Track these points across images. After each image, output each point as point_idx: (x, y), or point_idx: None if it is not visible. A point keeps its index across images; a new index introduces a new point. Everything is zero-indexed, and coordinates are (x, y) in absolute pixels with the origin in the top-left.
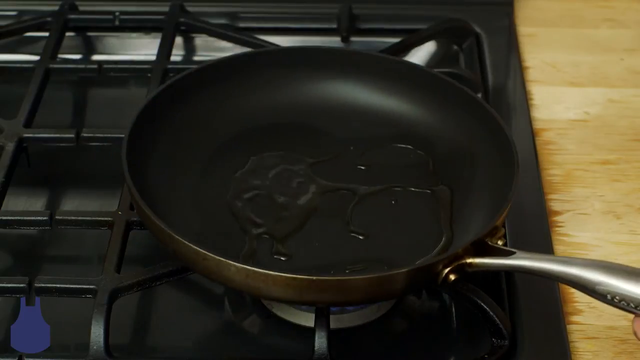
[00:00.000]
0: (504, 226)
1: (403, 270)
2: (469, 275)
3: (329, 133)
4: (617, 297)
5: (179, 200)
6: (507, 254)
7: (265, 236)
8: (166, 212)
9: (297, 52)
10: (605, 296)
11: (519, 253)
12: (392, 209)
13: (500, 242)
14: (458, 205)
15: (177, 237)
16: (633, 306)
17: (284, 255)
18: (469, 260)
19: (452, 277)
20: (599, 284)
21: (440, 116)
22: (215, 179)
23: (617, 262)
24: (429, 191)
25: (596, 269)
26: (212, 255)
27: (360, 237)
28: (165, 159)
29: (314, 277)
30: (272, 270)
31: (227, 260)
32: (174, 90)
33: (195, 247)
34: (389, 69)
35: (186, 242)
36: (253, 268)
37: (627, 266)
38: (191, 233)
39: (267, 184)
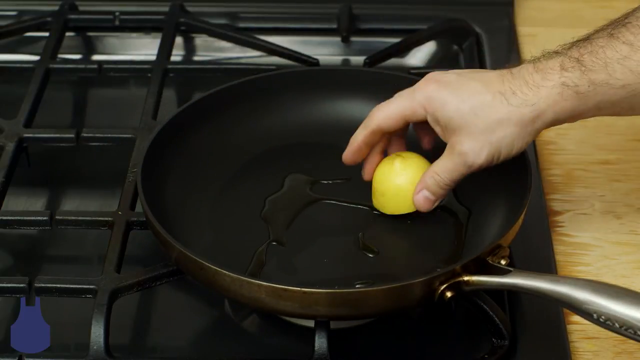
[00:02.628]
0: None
1: (397, 285)
2: (465, 293)
3: None
4: (602, 317)
5: (194, 215)
6: (504, 272)
7: (274, 244)
8: (177, 225)
9: (325, 73)
10: (592, 315)
11: (514, 271)
12: (407, 228)
13: (503, 262)
14: (473, 225)
15: (175, 244)
16: (618, 326)
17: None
18: (466, 278)
19: (448, 294)
20: (586, 302)
21: None
22: (234, 197)
23: (617, 262)
24: (445, 211)
25: (584, 288)
26: (209, 265)
27: (370, 255)
28: (183, 176)
29: (305, 289)
30: (265, 282)
31: (223, 271)
32: (194, 111)
33: (193, 257)
34: None
35: (184, 250)
36: (247, 278)
37: (616, 286)
38: (201, 247)
39: (286, 200)
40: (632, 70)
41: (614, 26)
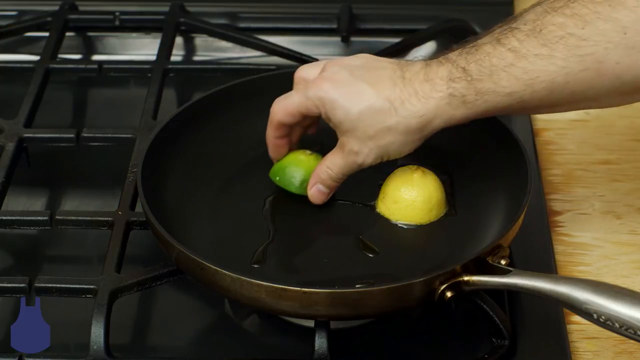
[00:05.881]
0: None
1: (397, 285)
2: (465, 293)
3: None
4: (602, 317)
5: (194, 215)
6: (504, 272)
7: (273, 244)
8: (177, 225)
9: None
10: (592, 315)
11: (514, 271)
12: (407, 228)
13: (503, 262)
14: (473, 225)
15: (175, 244)
16: (618, 326)
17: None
18: (467, 278)
19: (448, 294)
20: (586, 302)
21: (466, 139)
22: (234, 196)
23: (617, 262)
24: (446, 211)
25: (584, 288)
26: (209, 265)
27: (370, 255)
28: (183, 175)
29: (305, 289)
30: (265, 282)
31: (223, 271)
32: (194, 111)
33: (193, 257)
34: None
35: (184, 250)
36: (247, 278)
37: (616, 286)
38: (201, 247)
39: (286, 200)
40: (518, 78)
41: (502, 30)
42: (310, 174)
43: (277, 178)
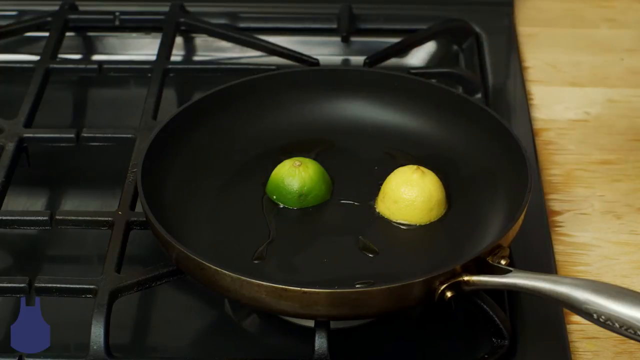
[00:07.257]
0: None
1: (397, 285)
2: (465, 293)
3: (353, 152)
4: (602, 317)
5: (194, 215)
6: (504, 272)
7: (273, 244)
8: (177, 225)
9: (325, 73)
10: (592, 315)
11: (514, 272)
12: (406, 228)
13: (503, 262)
14: (473, 225)
15: (175, 244)
16: (618, 326)
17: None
18: (467, 278)
19: (448, 294)
20: (586, 302)
21: (466, 139)
22: (234, 196)
23: (617, 262)
24: (445, 212)
25: (585, 288)
26: (209, 265)
27: (370, 255)
28: (183, 176)
29: (305, 289)
30: (265, 281)
31: (223, 271)
32: (194, 111)
33: (194, 257)
34: (418, 91)
35: (184, 250)
36: (247, 278)
37: (616, 286)
38: (201, 247)
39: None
40: None
41: None
42: (304, 186)
43: (274, 197)
